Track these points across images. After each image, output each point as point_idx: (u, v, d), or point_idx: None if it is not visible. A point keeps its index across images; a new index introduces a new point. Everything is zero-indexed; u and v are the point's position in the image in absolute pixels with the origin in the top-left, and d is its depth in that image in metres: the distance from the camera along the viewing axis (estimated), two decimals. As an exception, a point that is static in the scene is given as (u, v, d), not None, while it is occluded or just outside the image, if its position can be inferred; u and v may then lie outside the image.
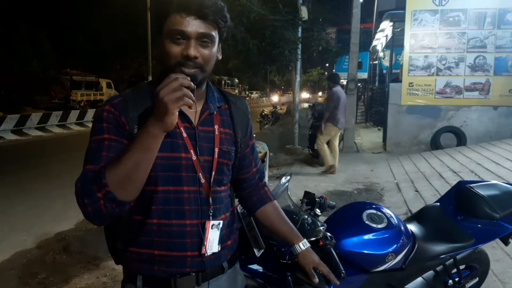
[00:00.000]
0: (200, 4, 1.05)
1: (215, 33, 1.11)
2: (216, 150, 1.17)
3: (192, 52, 1.05)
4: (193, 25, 1.06)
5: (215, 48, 1.12)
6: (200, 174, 1.14)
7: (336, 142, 7.22)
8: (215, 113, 1.20)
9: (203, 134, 1.16)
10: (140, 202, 1.10)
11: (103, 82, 26.46)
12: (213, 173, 1.17)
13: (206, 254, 1.15)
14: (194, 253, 1.14)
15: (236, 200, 1.43)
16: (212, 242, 1.16)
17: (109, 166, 0.99)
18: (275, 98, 30.61)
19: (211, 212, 1.16)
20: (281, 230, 1.34)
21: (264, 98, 45.31)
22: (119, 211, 1.01)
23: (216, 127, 1.19)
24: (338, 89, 7.12)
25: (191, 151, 1.13)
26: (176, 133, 1.11)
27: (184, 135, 1.12)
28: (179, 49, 1.06)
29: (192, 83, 0.97)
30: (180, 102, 0.95)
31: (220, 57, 1.20)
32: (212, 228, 1.16)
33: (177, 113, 0.97)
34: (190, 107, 0.98)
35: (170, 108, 0.95)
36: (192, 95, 0.97)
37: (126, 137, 1.07)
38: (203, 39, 1.08)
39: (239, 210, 1.76)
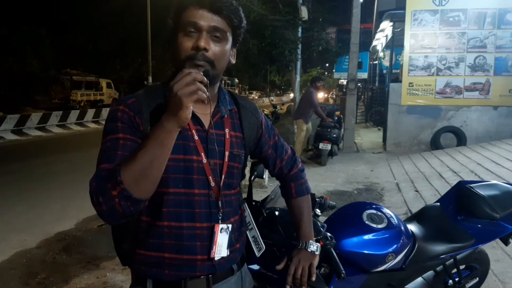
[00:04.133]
0: None
1: (228, 31, 1.12)
2: (227, 153, 1.17)
3: (202, 43, 1.05)
4: (206, 18, 1.07)
5: (227, 47, 1.12)
6: (210, 177, 1.14)
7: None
8: (226, 116, 1.21)
9: (214, 137, 1.16)
10: (151, 204, 1.09)
11: (103, 82, 26.46)
12: (223, 176, 1.17)
13: (215, 258, 1.15)
14: (203, 257, 1.14)
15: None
16: (221, 246, 1.16)
17: (124, 163, 0.98)
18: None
19: (220, 216, 1.16)
20: (303, 227, 1.43)
21: (264, 99, 45.27)
22: (134, 209, 0.99)
23: (227, 130, 1.19)
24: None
25: (202, 154, 1.13)
26: (187, 135, 1.11)
27: (196, 137, 1.12)
28: (191, 42, 1.07)
29: (205, 78, 0.97)
30: (194, 96, 0.95)
31: (233, 62, 1.20)
32: (221, 232, 1.15)
33: (191, 107, 0.97)
34: (203, 101, 0.97)
35: (184, 102, 0.94)
36: (206, 90, 0.97)
37: (140, 137, 1.06)
38: (215, 34, 1.08)
39: None
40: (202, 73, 0.98)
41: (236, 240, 1.23)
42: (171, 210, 1.11)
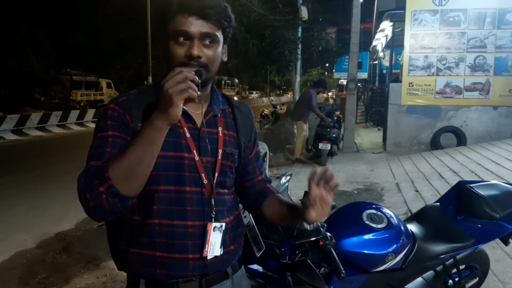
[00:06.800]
0: (202, 5, 1.06)
1: (219, 34, 1.11)
2: (220, 151, 1.17)
3: (196, 51, 1.06)
4: (196, 25, 1.06)
5: (219, 49, 1.13)
6: (202, 174, 1.13)
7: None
8: (219, 115, 1.21)
9: (206, 135, 1.15)
10: (142, 202, 1.10)
11: (103, 82, 26.47)
12: (216, 174, 1.16)
13: (207, 257, 1.14)
14: (195, 256, 1.13)
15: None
16: (214, 245, 1.14)
17: (112, 160, 0.99)
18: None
19: (213, 214, 1.15)
20: (284, 210, 1.22)
21: (264, 98, 45.45)
22: (121, 206, 1.00)
23: (220, 129, 1.19)
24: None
25: (194, 151, 1.12)
26: (179, 133, 1.11)
27: (188, 135, 1.12)
28: (183, 50, 1.07)
29: (196, 77, 0.98)
30: (185, 94, 0.95)
31: (225, 59, 1.20)
32: (214, 231, 1.14)
33: (181, 105, 0.97)
34: (194, 100, 0.98)
35: (174, 100, 0.95)
36: (196, 88, 0.97)
37: (130, 135, 1.07)
38: (207, 39, 1.08)
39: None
40: (194, 72, 0.98)
41: (231, 241, 1.21)
42: (162, 208, 1.11)
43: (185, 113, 1.12)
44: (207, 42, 1.09)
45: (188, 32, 1.06)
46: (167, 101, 0.96)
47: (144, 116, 1.08)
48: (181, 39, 1.07)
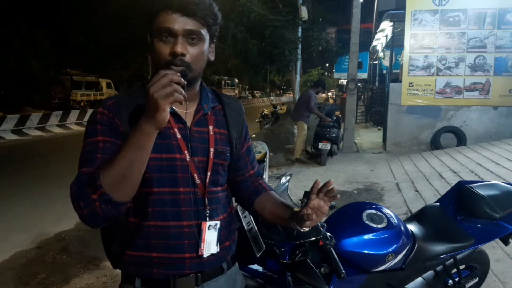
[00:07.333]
0: (186, 1, 1.05)
1: (204, 31, 1.10)
2: (211, 150, 1.17)
3: (179, 49, 1.05)
4: (180, 22, 1.05)
5: (204, 47, 1.11)
6: (195, 174, 1.13)
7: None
8: (209, 113, 1.20)
9: (197, 134, 1.15)
10: (136, 204, 1.10)
11: (103, 82, 26.48)
12: (208, 173, 1.16)
13: (204, 256, 1.15)
14: (192, 255, 1.14)
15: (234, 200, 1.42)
16: (210, 243, 1.15)
17: (103, 167, 0.98)
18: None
19: (207, 213, 1.15)
20: (278, 210, 1.22)
21: (264, 98, 45.51)
22: (115, 212, 1.00)
23: (210, 127, 1.19)
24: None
25: (185, 152, 1.12)
26: (170, 134, 1.11)
27: (178, 136, 1.12)
28: (167, 47, 1.06)
29: (182, 79, 0.96)
30: (171, 98, 0.93)
31: (212, 58, 1.19)
32: (209, 229, 1.15)
33: (169, 109, 0.96)
34: (181, 103, 0.96)
35: (160, 105, 0.93)
36: (183, 91, 0.95)
37: (121, 138, 1.06)
38: (191, 36, 1.07)
39: (238, 210, 1.76)
40: (179, 74, 0.96)
41: (226, 238, 1.22)
42: (157, 210, 1.11)
43: (174, 113, 1.12)
44: (191, 39, 1.07)
45: (172, 29, 1.05)
46: (153, 106, 0.94)
47: (132, 119, 1.07)
48: (165, 36, 1.06)
